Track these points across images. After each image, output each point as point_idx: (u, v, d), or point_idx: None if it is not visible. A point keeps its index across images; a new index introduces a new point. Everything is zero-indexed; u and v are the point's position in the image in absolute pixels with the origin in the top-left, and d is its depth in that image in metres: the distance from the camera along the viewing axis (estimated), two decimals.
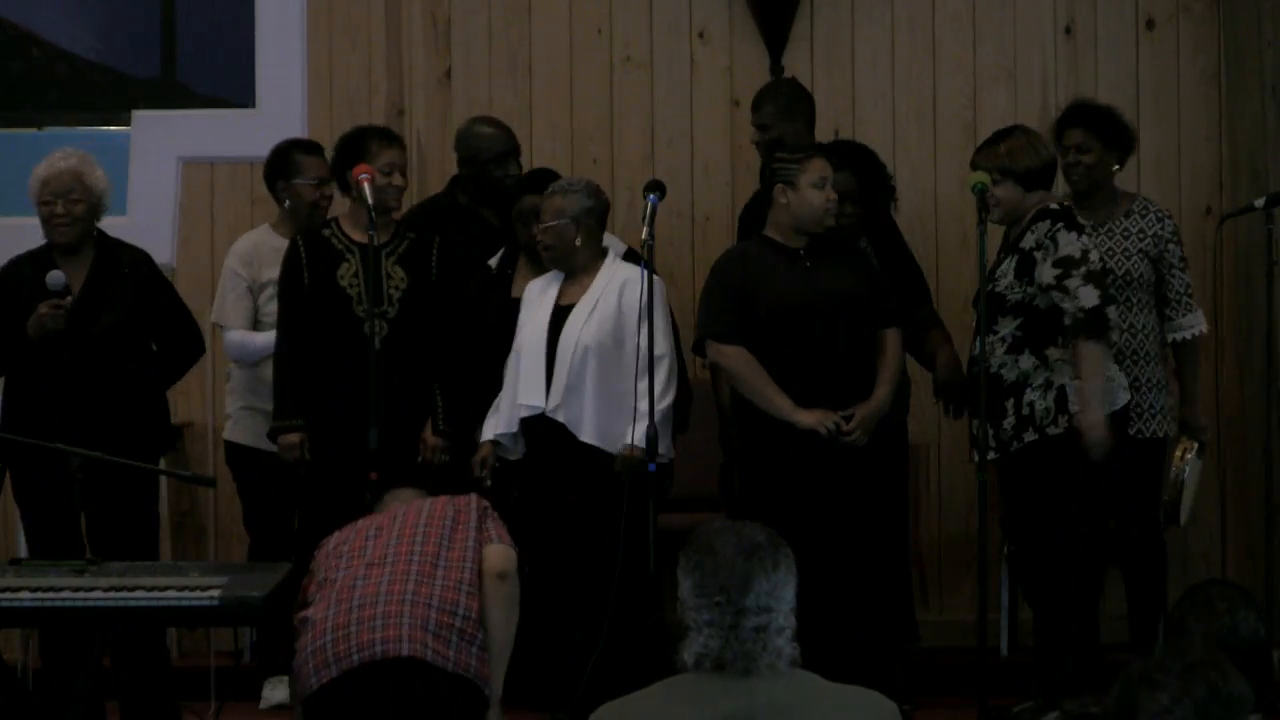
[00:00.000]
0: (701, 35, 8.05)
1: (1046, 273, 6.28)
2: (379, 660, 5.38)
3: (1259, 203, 6.92)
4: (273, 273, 7.14)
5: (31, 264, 6.68)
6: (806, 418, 6.35)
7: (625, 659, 6.21)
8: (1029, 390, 6.31)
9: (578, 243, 6.75)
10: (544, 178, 7.18)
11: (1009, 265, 6.37)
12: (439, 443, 6.86)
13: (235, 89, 8.28)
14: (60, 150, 6.82)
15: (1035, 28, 7.99)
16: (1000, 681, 6.64)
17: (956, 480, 7.56)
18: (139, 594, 5.42)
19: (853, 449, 6.37)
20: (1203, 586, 4.00)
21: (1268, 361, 6.91)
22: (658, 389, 6.52)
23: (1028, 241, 6.35)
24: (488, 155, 7.34)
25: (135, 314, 6.64)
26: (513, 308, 7.05)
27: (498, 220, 7.30)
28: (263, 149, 7.50)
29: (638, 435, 6.43)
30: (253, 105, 8.16)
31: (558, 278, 6.82)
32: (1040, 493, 6.32)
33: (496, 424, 6.76)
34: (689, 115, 7.98)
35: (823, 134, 7.81)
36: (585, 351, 6.60)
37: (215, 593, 5.40)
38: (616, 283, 6.64)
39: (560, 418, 6.61)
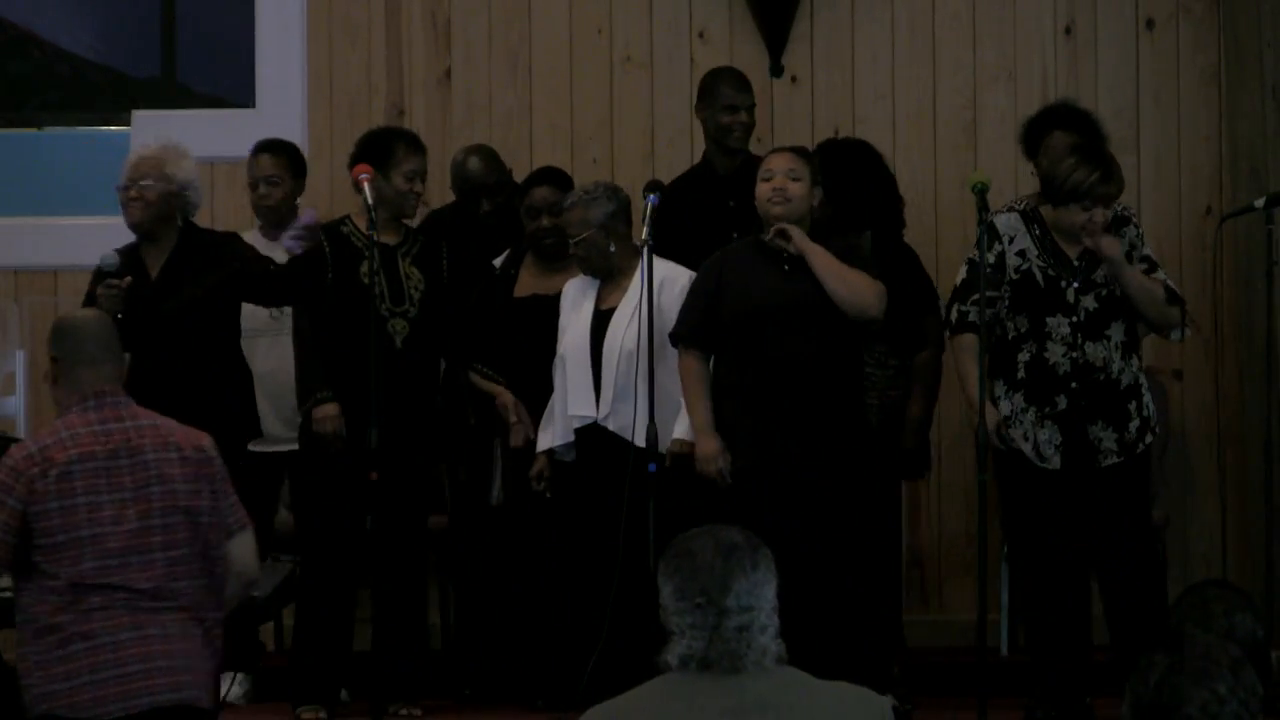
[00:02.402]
0: (701, 35, 8.05)
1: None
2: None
3: (1259, 203, 6.92)
4: None
5: (119, 257, 6.67)
6: (704, 447, 6.37)
7: (630, 657, 6.19)
8: (1144, 392, 6.44)
9: (611, 249, 6.75)
10: (554, 175, 7.20)
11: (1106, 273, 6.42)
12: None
13: (235, 89, 8.29)
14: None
15: (1035, 28, 7.98)
16: (1000, 681, 6.64)
17: (956, 480, 7.55)
18: None
19: (802, 475, 6.30)
20: (1199, 589, 3.99)
21: (1268, 361, 6.90)
22: None
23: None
24: (467, 187, 7.38)
25: (208, 297, 6.64)
26: (516, 308, 7.05)
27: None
28: None
29: (677, 430, 6.51)
30: (253, 105, 8.17)
31: (595, 280, 6.82)
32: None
33: (552, 436, 6.75)
34: (689, 115, 7.96)
35: (822, 134, 7.82)
36: (630, 356, 6.58)
37: None
38: (654, 282, 6.52)
39: (612, 426, 6.62)
